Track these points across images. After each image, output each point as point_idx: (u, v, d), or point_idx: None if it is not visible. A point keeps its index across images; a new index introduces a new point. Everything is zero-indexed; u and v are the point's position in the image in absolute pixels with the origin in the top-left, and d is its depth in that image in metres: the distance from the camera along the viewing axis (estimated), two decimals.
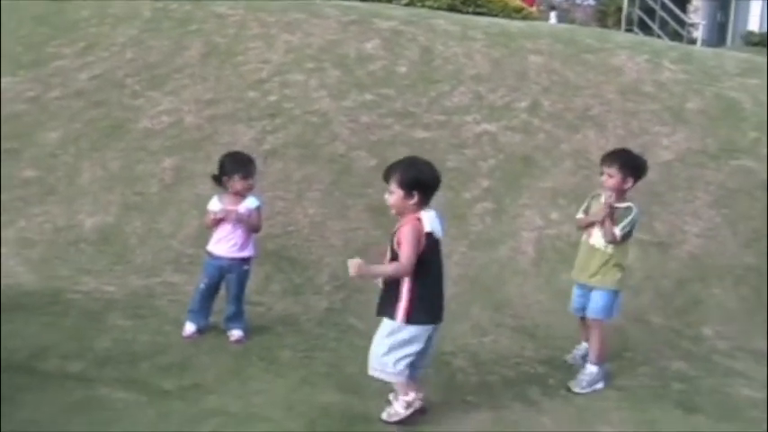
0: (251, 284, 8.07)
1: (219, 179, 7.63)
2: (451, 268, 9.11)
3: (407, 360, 6.36)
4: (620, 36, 15.82)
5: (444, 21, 13.60)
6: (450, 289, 8.38)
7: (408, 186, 6.26)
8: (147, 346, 7.43)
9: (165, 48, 12.22)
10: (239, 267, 7.69)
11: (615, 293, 7.40)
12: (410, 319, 6.27)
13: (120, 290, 8.55)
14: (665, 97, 11.98)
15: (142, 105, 11.08)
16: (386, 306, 6.39)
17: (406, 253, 6.16)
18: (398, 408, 6.45)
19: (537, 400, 7.17)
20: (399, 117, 11.07)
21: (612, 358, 8.05)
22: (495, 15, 17.10)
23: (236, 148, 9.94)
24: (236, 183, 7.57)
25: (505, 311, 8.78)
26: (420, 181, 6.32)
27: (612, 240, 7.28)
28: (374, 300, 8.42)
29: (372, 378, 6.54)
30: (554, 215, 9.89)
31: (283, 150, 10.42)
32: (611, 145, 10.74)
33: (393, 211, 6.42)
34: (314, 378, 7.10)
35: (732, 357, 8.29)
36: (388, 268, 6.30)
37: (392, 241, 6.30)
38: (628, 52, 13.10)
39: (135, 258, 9.13)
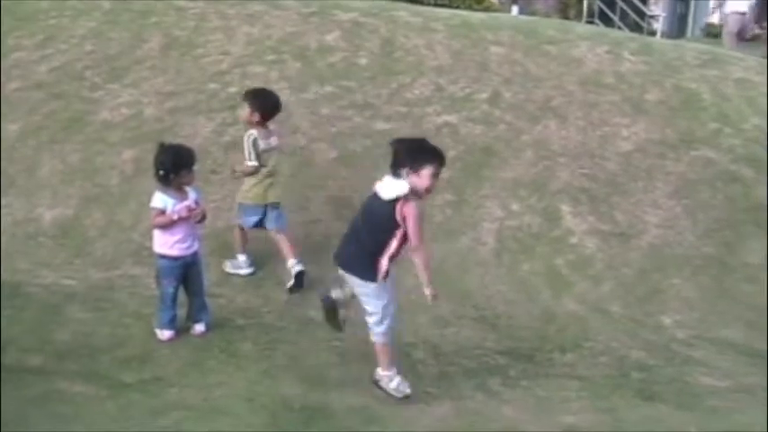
0: (211, 277, 8.07)
1: (167, 177, 7.41)
2: (411, 259, 9.12)
3: None
4: (581, 27, 15.86)
5: (405, 12, 13.59)
6: (410, 280, 8.42)
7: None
8: (107, 339, 7.41)
9: (124, 40, 12.14)
10: (198, 260, 7.66)
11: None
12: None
13: (80, 283, 8.50)
14: (626, 88, 12.03)
15: (102, 98, 11.01)
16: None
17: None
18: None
19: (498, 390, 7.22)
20: (360, 109, 11.06)
21: (573, 348, 8.13)
22: (457, 7, 17.17)
23: (197, 140, 9.96)
24: (185, 177, 7.46)
25: (467, 302, 8.80)
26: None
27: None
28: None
29: (333, 369, 6.56)
30: (515, 206, 9.92)
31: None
32: (572, 135, 10.84)
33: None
34: (275, 370, 7.11)
35: (691, 346, 8.35)
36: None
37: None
38: (588, 44, 13.14)
39: (95, 251, 9.08)
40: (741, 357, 8.26)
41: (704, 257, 9.63)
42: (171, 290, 7.54)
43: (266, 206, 8.69)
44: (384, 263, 6.69)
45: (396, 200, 6.51)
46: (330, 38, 12.44)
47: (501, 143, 10.78)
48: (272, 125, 8.82)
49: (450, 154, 10.36)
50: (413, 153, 6.57)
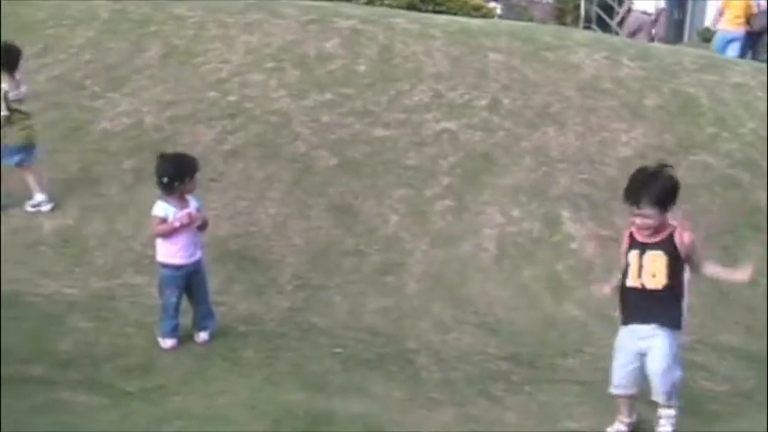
0: (213, 285, 8.06)
1: (170, 185, 7.38)
2: (413, 266, 9.14)
3: None
4: (579, 33, 15.88)
5: (404, 19, 13.62)
6: (411, 286, 8.46)
7: (664, 203, 6.21)
8: (109, 348, 7.39)
9: (123, 49, 12.16)
10: (201, 268, 7.66)
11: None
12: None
13: (81, 292, 8.48)
14: (624, 94, 12.05)
15: (101, 107, 11.03)
16: (665, 312, 6.32)
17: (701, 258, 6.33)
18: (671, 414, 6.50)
19: (500, 396, 7.20)
20: (359, 116, 11.07)
21: (574, 353, 8.12)
22: (455, 14, 17.14)
23: (197, 148, 9.94)
24: (188, 185, 7.43)
25: (468, 308, 8.79)
26: (670, 195, 6.25)
27: None
28: (336, 299, 8.52)
29: (335, 375, 6.55)
30: (515, 212, 9.92)
31: (244, 150, 10.40)
32: (571, 141, 10.86)
33: (649, 232, 6.27)
34: (277, 377, 7.10)
35: (693, 351, 8.34)
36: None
37: (668, 247, 6.23)
38: (586, 50, 13.16)
39: (95, 260, 9.07)
40: (740, 362, 8.26)
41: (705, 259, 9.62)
42: (174, 299, 7.50)
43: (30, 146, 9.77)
44: None
45: None
46: (329, 45, 12.46)
47: (500, 149, 10.79)
48: (18, 75, 9.74)
49: (449, 161, 10.45)
50: None
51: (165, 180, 7.36)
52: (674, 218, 6.28)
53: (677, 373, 6.28)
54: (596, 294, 6.82)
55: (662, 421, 6.39)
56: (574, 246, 9.60)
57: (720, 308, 9.11)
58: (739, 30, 18.41)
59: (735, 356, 8.36)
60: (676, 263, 6.19)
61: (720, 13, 18.91)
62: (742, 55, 17.68)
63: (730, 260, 9.59)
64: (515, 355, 8.00)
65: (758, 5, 18.86)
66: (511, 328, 8.53)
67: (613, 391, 6.51)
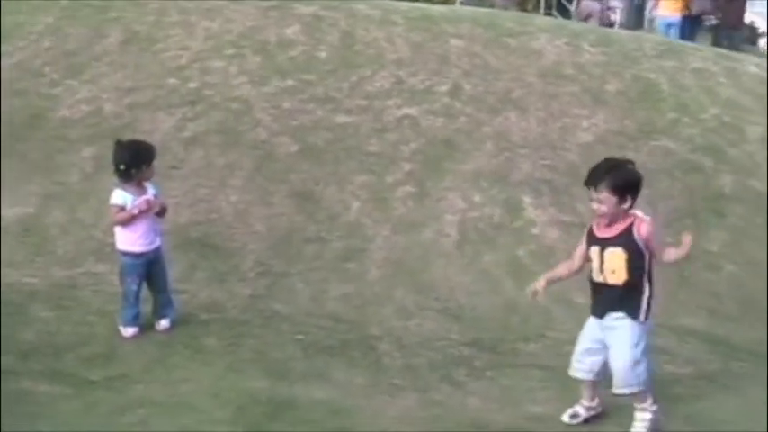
0: (174, 273, 8.04)
1: (128, 172, 7.38)
2: (374, 252, 9.15)
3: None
4: (540, 20, 15.94)
5: (365, 5, 13.59)
6: (373, 273, 8.46)
7: (622, 191, 6.20)
8: (71, 337, 7.37)
9: (83, 36, 12.07)
10: (161, 256, 7.64)
11: None
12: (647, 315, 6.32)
13: (43, 281, 8.44)
14: (585, 79, 12.10)
15: (61, 94, 10.94)
16: (625, 305, 6.31)
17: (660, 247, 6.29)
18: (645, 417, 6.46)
19: (463, 381, 7.23)
20: (321, 102, 11.05)
21: (536, 338, 8.17)
22: (416, 0, 17.14)
23: (157, 135, 9.91)
24: (146, 172, 7.42)
25: (430, 294, 8.80)
26: (631, 184, 6.27)
27: None
28: (298, 285, 8.53)
29: (298, 362, 6.56)
30: (477, 197, 9.94)
31: (204, 137, 10.35)
32: (533, 127, 10.90)
33: (604, 219, 6.33)
34: (240, 365, 7.10)
35: (655, 335, 8.37)
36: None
37: (626, 242, 6.25)
38: (547, 36, 13.20)
39: (56, 249, 9.01)
40: (703, 345, 8.33)
41: (664, 246, 9.68)
42: (134, 287, 7.50)
43: None
44: None
45: None
46: (290, 32, 12.42)
47: (462, 135, 10.80)
48: None
49: (410, 147, 10.46)
50: None
51: (122, 167, 7.36)
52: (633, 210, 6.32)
53: (641, 370, 6.28)
54: (533, 294, 6.79)
55: (635, 423, 6.42)
56: (535, 231, 9.64)
57: (682, 291, 9.18)
58: (676, 15, 18.83)
59: (697, 339, 8.43)
60: (636, 257, 6.23)
61: None
62: (682, 39, 17.86)
63: (692, 246, 9.67)
64: (477, 341, 8.03)
65: None
66: (473, 314, 8.56)
67: (570, 372, 6.58)
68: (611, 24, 22.08)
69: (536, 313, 8.54)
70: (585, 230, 6.47)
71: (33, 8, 12.67)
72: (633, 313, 6.23)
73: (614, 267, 6.24)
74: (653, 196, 10.03)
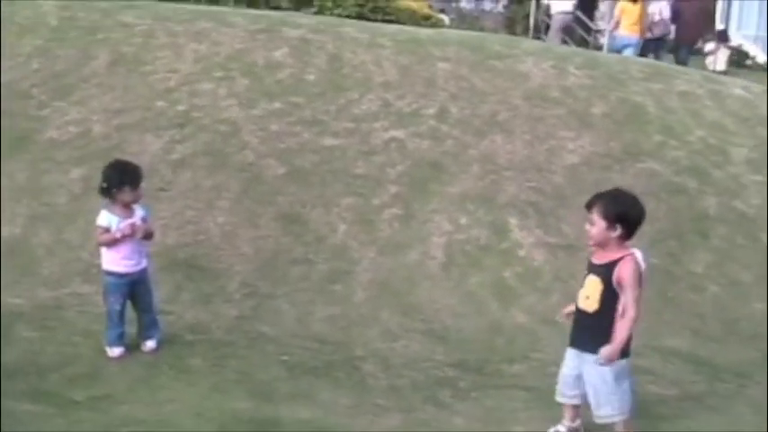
0: (161, 294, 8.06)
1: (108, 191, 7.44)
2: (360, 274, 9.18)
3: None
4: (527, 43, 15.97)
5: (353, 28, 13.64)
6: (359, 294, 8.49)
7: (613, 219, 6.25)
8: (56, 357, 7.38)
9: (71, 57, 12.09)
10: (146, 278, 7.66)
11: None
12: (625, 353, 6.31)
13: (28, 302, 8.45)
14: (571, 102, 12.14)
15: (49, 115, 10.95)
16: (596, 341, 6.30)
17: (636, 297, 6.19)
18: None
19: (448, 402, 7.27)
20: (308, 125, 11.08)
21: (521, 359, 8.20)
22: (404, 23, 17.21)
23: (145, 157, 9.92)
24: (126, 194, 7.43)
25: (415, 316, 8.83)
26: (625, 215, 6.31)
27: None
28: (284, 307, 8.55)
29: (283, 383, 6.58)
30: (463, 220, 9.97)
31: (192, 159, 10.37)
32: (519, 149, 10.94)
33: (591, 243, 6.44)
34: (224, 385, 7.13)
35: (639, 355, 8.39)
36: (625, 328, 6.21)
37: (606, 273, 6.29)
38: (534, 58, 13.25)
39: (42, 270, 9.02)
40: (687, 366, 8.38)
41: (649, 267, 9.62)
42: (117, 307, 7.53)
43: None
44: None
45: None
46: (278, 54, 12.46)
47: (448, 158, 10.84)
48: None
49: (397, 169, 10.49)
50: None
51: (104, 185, 7.42)
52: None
53: (619, 398, 6.34)
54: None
55: None
56: (521, 253, 9.68)
57: (667, 312, 9.24)
58: (633, 36, 19.90)
59: (682, 360, 8.48)
60: (609, 293, 6.27)
61: (617, 21, 20.29)
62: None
63: (676, 267, 9.75)
64: (462, 362, 8.06)
65: (660, 14, 20.69)
66: (458, 335, 8.59)
67: (557, 397, 6.64)
68: (597, 47, 22.44)
69: (521, 335, 8.59)
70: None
71: (22, 29, 12.69)
72: (601, 347, 6.23)
73: (589, 293, 6.32)
74: None
